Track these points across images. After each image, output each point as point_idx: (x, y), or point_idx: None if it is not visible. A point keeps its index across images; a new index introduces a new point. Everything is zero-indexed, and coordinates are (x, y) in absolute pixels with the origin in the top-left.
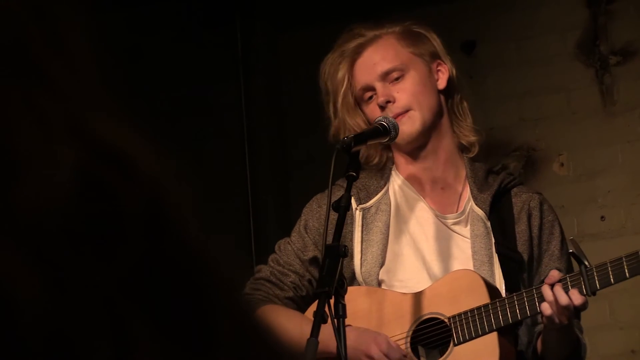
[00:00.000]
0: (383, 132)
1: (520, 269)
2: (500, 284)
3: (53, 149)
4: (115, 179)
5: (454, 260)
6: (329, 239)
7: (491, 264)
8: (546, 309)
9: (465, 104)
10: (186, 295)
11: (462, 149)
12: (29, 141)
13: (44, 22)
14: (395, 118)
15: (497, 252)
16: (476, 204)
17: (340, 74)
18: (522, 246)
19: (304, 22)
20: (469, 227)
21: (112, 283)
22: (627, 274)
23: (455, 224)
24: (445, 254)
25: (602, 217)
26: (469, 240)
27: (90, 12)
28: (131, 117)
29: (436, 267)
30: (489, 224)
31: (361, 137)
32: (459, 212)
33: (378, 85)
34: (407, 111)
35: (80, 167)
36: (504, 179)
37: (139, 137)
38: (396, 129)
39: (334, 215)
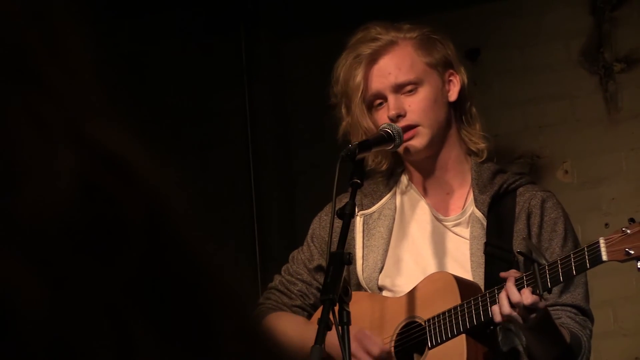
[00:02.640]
0: (387, 140)
1: (510, 269)
2: (482, 285)
3: (53, 155)
4: (114, 185)
5: (454, 262)
6: (335, 247)
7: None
8: (495, 310)
9: (474, 110)
10: (186, 299)
11: (470, 153)
12: (29, 147)
13: (43, 28)
14: (403, 131)
15: (484, 252)
16: (476, 206)
17: (356, 81)
18: (518, 245)
19: (307, 30)
20: (469, 228)
21: (113, 288)
22: (574, 271)
23: (455, 225)
24: (445, 256)
25: (606, 224)
26: (468, 242)
27: (90, 18)
28: (131, 123)
29: (434, 270)
30: (485, 224)
31: (365, 145)
32: (460, 213)
33: (390, 97)
34: (416, 126)
35: (80, 173)
36: (507, 179)
37: (139, 143)
38: (400, 136)
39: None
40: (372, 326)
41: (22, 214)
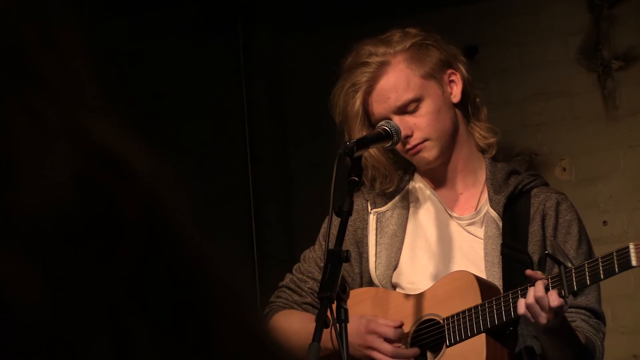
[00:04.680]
0: (385, 137)
1: (535, 271)
2: (500, 286)
3: (50, 152)
4: (112, 182)
5: (467, 261)
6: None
7: (500, 266)
8: (521, 306)
9: (478, 100)
10: (183, 297)
11: (482, 150)
12: (27, 144)
13: (40, 25)
14: (413, 148)
15: (501, 253)
16: (491, 206)
17: (355, 108)
18: (533, 247)
19: (305, 27)
20: (483, 228)
21: (110, 286)
22: (601, 275)
23: (470, 224)
24: (458, 255)
25: (604, 222)
26: (483, 242)
27: (87, 15)
28: (128, 120)
29: (448, 269)
30: (501, 225)
31: (363, 142)
32: (474, 212)
33: (395, 119)
34: (424, 142)
35: (78, 170)
36: (522, 180)
37: (137, 140)
38: (398, 133)
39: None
40: None
41: (19, 211)
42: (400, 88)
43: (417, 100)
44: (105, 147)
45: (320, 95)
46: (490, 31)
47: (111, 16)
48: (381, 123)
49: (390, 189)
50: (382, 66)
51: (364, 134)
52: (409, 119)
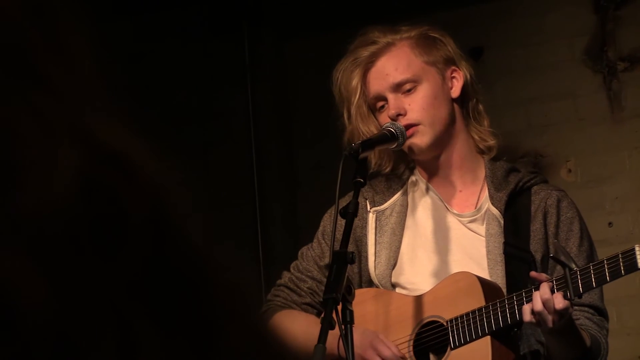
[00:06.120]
0: (391, 138)
1: (529, 269)
2: (503, 285)
3: (55, 152)
4: (117, 182)
5: (469, 259)
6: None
7: (503, 264)
8: (526, 313)
9: (481, 107)
10: (189, 297)
11: (481, 151)
12: (31, 145)
13: (44, 25)
14: (405, 131)
15: (504, 252)
16: (492, 203)
17: (353, 83)
18: (535, 245)
19: (310, 29)
20: (484, 225)
21: (115, 285)
22: (607, 278)
23: (471, 222)
24: (460, 253)
25: (609, 223)
26: (484, 239)
27: (92, 16)
28: (134, 122)
29: (449, 267)
30: (502, 222)
31: (369, 143)
32: (474, 210)
33: (390, 97)
34: (417, 125)
35: (83, 171)
36: (522, 177)
37: (142, 141)
38: (404, 135)
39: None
40: (389, 324)
41: (24, 211)
42: (400, 67)
43: (415, 82)
44: (110, 147)
45: (325, 96)
46: (496, 33)
47: (117, 17)
48: (386, 124)
49: (387, 170)
50: (387, 46)
51: (364, 110)
52: (404, 99)
